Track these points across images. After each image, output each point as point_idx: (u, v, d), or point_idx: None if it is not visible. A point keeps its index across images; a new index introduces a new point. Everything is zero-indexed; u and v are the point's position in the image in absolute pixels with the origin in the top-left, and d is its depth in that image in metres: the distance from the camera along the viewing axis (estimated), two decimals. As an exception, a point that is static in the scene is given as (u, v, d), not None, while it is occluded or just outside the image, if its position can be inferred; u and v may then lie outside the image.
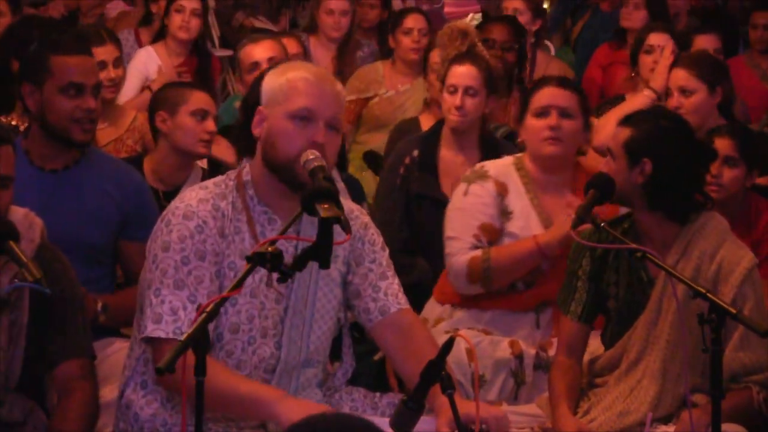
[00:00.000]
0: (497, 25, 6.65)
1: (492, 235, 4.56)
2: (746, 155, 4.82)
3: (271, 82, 3.55)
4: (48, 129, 4.22)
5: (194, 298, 3.44)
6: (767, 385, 3.83)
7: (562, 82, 4.65)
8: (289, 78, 3.51)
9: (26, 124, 4.57)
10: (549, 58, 7.48)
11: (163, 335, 3.43)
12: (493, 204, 4.58)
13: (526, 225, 4.55)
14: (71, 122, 4.20)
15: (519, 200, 4.59)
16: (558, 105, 4.55)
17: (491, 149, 5.26)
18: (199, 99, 5.02)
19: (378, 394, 3.74)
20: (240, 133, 4.56)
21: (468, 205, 4.59)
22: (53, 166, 4.27)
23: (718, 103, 5.52)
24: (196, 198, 3.54)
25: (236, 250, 3.52)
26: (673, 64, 5.67)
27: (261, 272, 3.44)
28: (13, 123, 4.90)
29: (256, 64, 5.57)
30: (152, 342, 3.47)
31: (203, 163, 5.32)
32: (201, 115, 4.98)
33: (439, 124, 5.41)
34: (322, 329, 3.62)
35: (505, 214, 4.58)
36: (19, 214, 3.63)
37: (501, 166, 4.67)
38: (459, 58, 5.37)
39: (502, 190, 4.59)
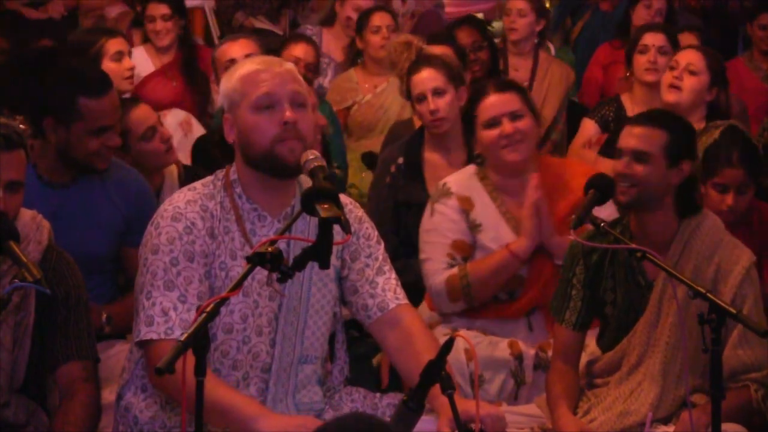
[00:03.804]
0: (461, 30, 6.66)
1: (465, 251, 4.54)
2: (755, 175, 4.81)
3: (225, 86, 3.57)
4: (68, 159, 4.23)
5: (184, 299, 3.45)
6: (766, 383, 3.83)
7: (500, 87, 4.58)
8: (240, 76, 3.52)
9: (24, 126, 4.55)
10: (550, 59, 7.47)
11: (155, 336, 3.43)
12: (460, 220, 4.55)
13: (497, 235, 4.52)
14: (95, 156, 4.23)
15: (486, 211, 4.55)
16: (505, 111, 4.51)
17: None
18: (139, 119, 4.80)
19: (378, 395, 3.73)
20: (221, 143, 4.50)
21: (436, 224, 4.56)
22: (62, 180, 4.28)
23: (709, 103, 5.53)
24: (184, 200, 3.55)
25: (226, 250, 3.52)
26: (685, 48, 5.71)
27: (254, 271, 3.45)
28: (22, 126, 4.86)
29: (232, 62, 5.54)
30: (145, 344, 3.48)
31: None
32: (151, 133, 4.80)
33: (421, 128, 5.38)
34: (317, 324, 3.62)
35: (474, 227, 4.55)
36: (26, 216, 3.64)
37: (463, 179, 4.63)
38: (414, 67, 5.30)
39: (466, 205, 4.56)
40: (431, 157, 5.28)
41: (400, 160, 5.32)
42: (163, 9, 6.94)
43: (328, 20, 7.88)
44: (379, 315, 3.64)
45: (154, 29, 6.93)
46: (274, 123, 3.46)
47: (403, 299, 3.67)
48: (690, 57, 5.54)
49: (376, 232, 3.73)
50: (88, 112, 4.19)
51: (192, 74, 6.89)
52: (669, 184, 3.89)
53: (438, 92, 5.17)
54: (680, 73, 5.50)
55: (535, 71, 7.21)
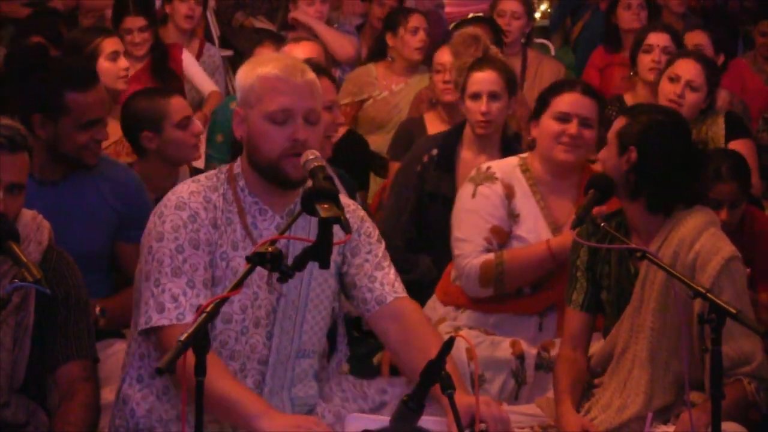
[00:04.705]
0: (478, 27, 6.64)
1: (502, 238, 4.54)
2: (747, 186, 4.80)
3: (242, 80, 3.57)
4: (58, 154, 4.23)
5: (192, 284, 3.48)
6: (757, 375, 3.83)
7: (586, 90, 4.59)
8: (259, 76, 3.52)
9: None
10: (540, 57, 7.47)
11: (167, 323, 3.46)
12: (502, 206, 4.55)
13: (534, 228, 4.54)
14: (84, 150, 4.24)
15: (526, 203, 4.56)
16: (580, 114, 4.51)
17: (513, 152, 5.22)
18: (178, 107, 4.91)
19: (365, 382, 3.74)
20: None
21: (478, 206, 4.56)
22: (52, 177, 4.27)
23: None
24: (187, 191, 3.58)
25: (228, 241, 3.55)
26: (684, 56, 5.70)
27: None
28: None
29: None
30: (156, 331, 3.49)
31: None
32: (186, 122, 4.89)
33: (461, 124, 5.38)
34: (316, 319, 3.64)
35: (512, 216, 4.56)
36: (27, 216, 3.64)
37: (506, 167, 4.63)
38: (478, 64, 5.28)
39: (509, 193, 4.57)
40: (466, 154, 5.28)
41: (434, 152, 5.32)
42: (140, 22, 6.92)
43: (287, 25, 7.83)
44: (377, 308, 3.64)
45: (132, 41, 6.90)
46: (285, 137, 3.48)
47: (401, 292, 3.68)
48: (691, 72, 5.54)
49: (377, 232, 3.75)
50: (75, 106, 4.19)
51: (164, 77, 6.88)
52: (619, 170, 3.91)
53: (494, 96, 5.16)
54: (682, 90, 5.52)
55: (524, 71, 7.22)
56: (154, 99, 4.94)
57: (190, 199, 3.56)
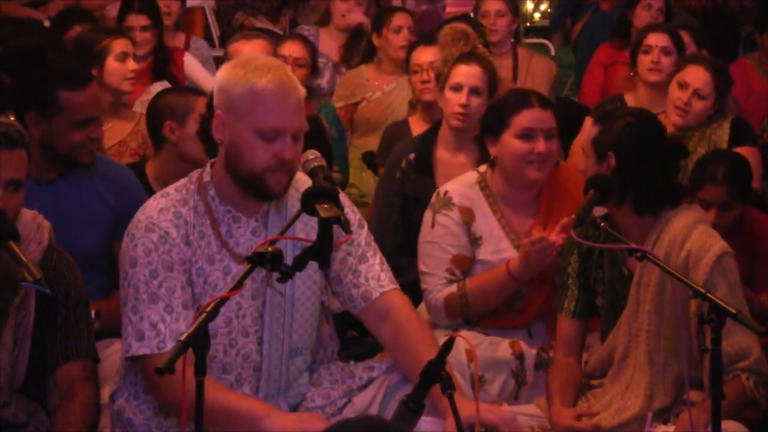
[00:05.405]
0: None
1: (464, 265, 4.50)
2: (740, 193, 4.77)
3: (231, 84, 3.46)
4: (53, 153, 4.24)
5: (171, 309, 3.45)
6: (755, 370, 3.82)
7: (542, 102, 4.50)
8: (252, 87, 3.43)
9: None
10: (531, 54, 7.46)
11: (147, 351, 3.44)
12: (462, 233, 4.50)
13: (497, 249, 4.49)
14: (79, 148, 4.24)
15: (486, 224, 4.51)
16: (544, 128, 4.44)
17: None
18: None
19: (352, 363, 3.72)
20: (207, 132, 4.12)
21: (437, 237, 4.52)
22: (49, 175, 4.28)
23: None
24: (156, 208, 3.53)
25: (203, 256, 3.51)
26: (695, 62, 5.69)
27: (232, 273, 3.46)
28: None
29: None
30: (140, 359, 3.48)
31: None
32: None
33: (436, 125, 5.39)
34: (305, 317, 3.60)
35: (474, 241, 4.51)
36: (27, 216, 3.64)
37: (464, 189, 4.56)
38: (464, 58, 5.30)
39: (468, 218, 4.51)
40: (443, 154, 5.29)
41: (411, 156, 5.32)
42: (143, 20, 6.89)
43: (324, 20, 7.88)
44: (364, 305, 3.61)
45: (133, 39, 6.90)
46: (271, 153, 3.43)
47: (387, 285, 3.63)
48: (700, 80, 5.50)
49: (358, 215, 3.68)
50: (69, 105, 4.20)
51: (162, 77, 6.87)
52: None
53: (475, 90, 5.18)
54: (689, 98, 5.49)
55: (516, 69, 7.22)
56: (185, 94, 5.00)
57: (160, 218, 3.50)
